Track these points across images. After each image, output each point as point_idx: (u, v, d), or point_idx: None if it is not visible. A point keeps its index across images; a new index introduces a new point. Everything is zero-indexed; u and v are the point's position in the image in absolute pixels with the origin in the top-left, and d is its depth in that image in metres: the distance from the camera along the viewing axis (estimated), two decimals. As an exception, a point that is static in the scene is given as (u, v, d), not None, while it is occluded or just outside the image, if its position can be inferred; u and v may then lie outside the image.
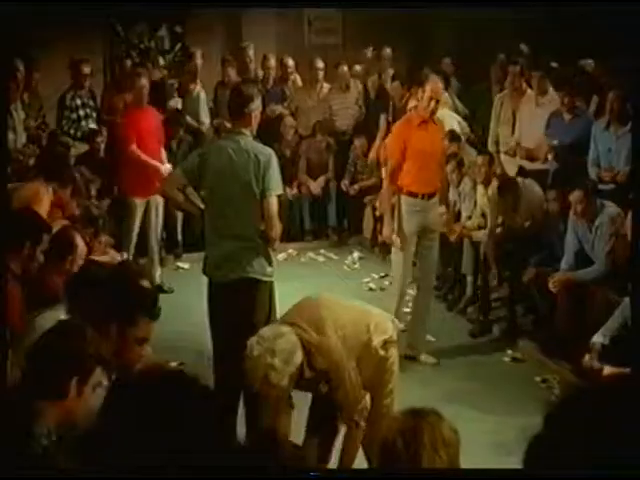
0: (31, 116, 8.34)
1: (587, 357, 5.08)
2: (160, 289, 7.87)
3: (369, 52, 10.03)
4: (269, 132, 9.30)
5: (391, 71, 9.52)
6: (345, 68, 9.66)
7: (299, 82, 10.02)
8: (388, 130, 8.31)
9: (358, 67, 9.93)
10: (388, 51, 9.97)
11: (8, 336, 3.68)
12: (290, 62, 9.86)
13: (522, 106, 7.73)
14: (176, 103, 9.23)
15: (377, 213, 8.89)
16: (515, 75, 7.97)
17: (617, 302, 5.27)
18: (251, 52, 9.96)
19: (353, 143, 9.39)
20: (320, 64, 9.66)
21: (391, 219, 6.17)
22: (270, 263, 4.73)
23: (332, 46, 11.13)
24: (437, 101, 5.97)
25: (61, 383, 2.65)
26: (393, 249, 6.25)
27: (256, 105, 4.74)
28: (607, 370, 4.89)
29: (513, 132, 7.78)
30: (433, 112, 6.00)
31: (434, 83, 5.98)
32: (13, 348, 3.63)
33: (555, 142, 7.00)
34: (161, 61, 9.80)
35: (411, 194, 6.08)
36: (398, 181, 6.09)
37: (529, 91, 7.95)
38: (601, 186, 6.42)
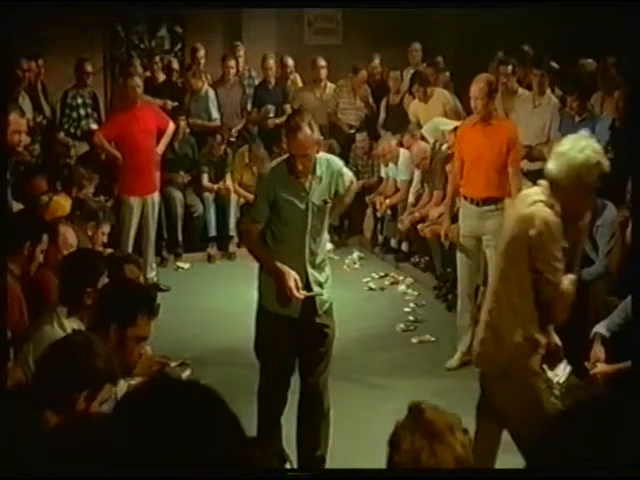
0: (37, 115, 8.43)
1: (592, 352, 5.00)
2: (156, 287, 7.90)
3: (377, 58, 9.99)
4: (270, 134, 9.32)
5: (424, 66, 9.41)
6: (365, 73, 9.65)
7: (299, 82, 10.03)
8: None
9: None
10: (417, 45, 9.94)
11: (9, 336, 3.68)
12: (290, 62, 9.86)
13: (518, 107, 7.71)
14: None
15: (378, 214, 8.91)
16: (507, 75, 7.97)
17: (617, 303, 5.27)
18: (241, 51, 9.97)
19: (355, 139, 9.38)
20: (322, 62, 9.64)
21: (447, 215, 6.39)
22: (260, 289, 4.60)
23: (332, 46, 11.14)
24: (482, 100, 5.79)
25: (70, 397, 2.63)
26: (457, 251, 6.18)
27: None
28: (601, 367, 4.91)
29: None
30: (485, 114, 5.84)
31: (476, 83, 5.91)
32: (15, 349, 3.63)
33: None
34: (175, 64, 9.79)
35: (465, 197, 6.02)
36: (458, 183, 6.08)
37: (520, 91, 7.96)
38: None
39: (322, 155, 4.51)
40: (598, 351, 4.95)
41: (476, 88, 5.84)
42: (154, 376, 3.13)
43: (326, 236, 4.57)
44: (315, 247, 4.43)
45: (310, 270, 4.43)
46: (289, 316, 4.40)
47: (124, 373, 3.28)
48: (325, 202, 4.39)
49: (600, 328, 5.07)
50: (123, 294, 3.49)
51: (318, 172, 4.38)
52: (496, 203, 5.88)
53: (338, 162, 4.62)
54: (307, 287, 4.38)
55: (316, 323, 4.50)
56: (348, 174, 4.68)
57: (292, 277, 4.25)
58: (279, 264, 4.30)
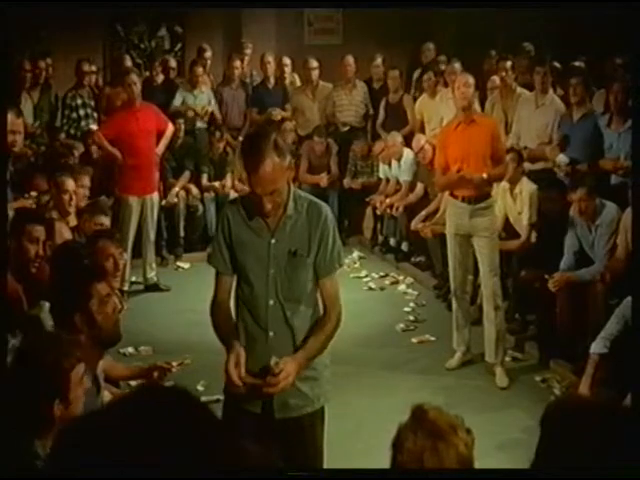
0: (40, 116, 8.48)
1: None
2: (156, 287, 7.91)
3: (379, 58, 9.97)
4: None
5: (443, 66, 9.15)
6: (350, 59, 9.61)
7: (298, 82, 10.03)
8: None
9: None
10: (430, 45, 9.94)
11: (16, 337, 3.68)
12: (287, 61, 9.85)
13: (520, 107, 7.67)
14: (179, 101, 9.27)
15: (378, 212, 8.91)
16: (506, 70, 7.95)
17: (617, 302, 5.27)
18: (248, 50, 10.01)
19: (352, 145, 9.38)
20: (314, 64, 9.63)
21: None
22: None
23: (332, 46, 11.13)
24: (467, 99, 5.82)
25: (45, 415, 2.58)
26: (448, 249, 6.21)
27: None
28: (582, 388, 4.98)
29: (506, 131, 7.71)
30: (469, 111, 5.88)
31: (463, 75, 5.96)
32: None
33: (565, 161, 6.90)
34: (172, 63, 9.81)
35: (453, 196, 6.03)
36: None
37: (519, 90, 7.94)
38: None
39: (303, 193, 3.43)
40: (587, 375, 5.03)
41: (464, 80, 5.88)
42: (140, 385, 3.11)
43: (310, 309, 3.38)
44: (290, 314, 3.32)
45: (276, 350, 3.26)
46: (251, 411, 3.32)
47: (109, 342, 3.37)
48: (295, 254, 3.27)
49: (596, 347, 5.07)
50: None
51: (290, 211, 3.26)
52: (487, 199, 5.94)
53: (326, 210, 3.36)
54: (267, 373, 3.20)
55: (283, 427, 3.34)
56: (338, 245, 3.36)
57: (234, 356, 3.16)
58: (233, 339, 3.28)
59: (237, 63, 9.62)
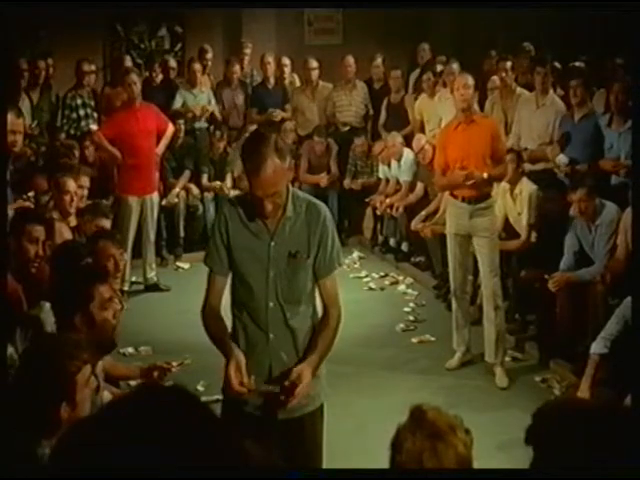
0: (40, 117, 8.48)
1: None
2: (156, 287, 7.91)
3: (379, 58, 9.96)
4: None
5: (440, 67, 9.09)
6: (351, 60, 9.61)
7: (297, 82, 10.03)
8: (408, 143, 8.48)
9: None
10: (426, 45, 9.97)
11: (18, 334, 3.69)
12: (287, 61, 9.86)
13: (520, 107, 7.67)
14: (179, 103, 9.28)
15: (378, 212, 8.91)
16: (506, 71, 7.95)
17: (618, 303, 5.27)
18: (248, 50, 10.02)
19: (353, 142, 9.38)
20: (314, 64, 9.63)
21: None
22: None
23: (332, 46, 11.14)
24: (466, 99, 5.82)
25: (52, 417, 2.57)
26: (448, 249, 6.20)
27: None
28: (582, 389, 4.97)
29: (506, 132, 7.70)
30: (470, 112, 5.88)
31: (463, 76, 5.97)
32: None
33: (565, 161, 6.91)
34: (172, 63, 9.82)
35: (453, 196, 6.03)
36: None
37: (519, 90, 7.94)
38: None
39: (301, 194, 3.38)
40: (587, 375, 5.02)
41: (464, 81, 5.86)
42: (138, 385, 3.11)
43: (309, 309, 3.38)
44: (290, 316, 3.31)
45: (276, 352, 3.31)
46: (251, 413, 3.29)
47: (105, 348, 3.39)
48: (295, 256, 3.24)
49: (596, 347, 5.05)
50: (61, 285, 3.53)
51: (289, 212, 3.22)
52: (487, 199, 5.94)
53: (325, 210, 3.34)
54: (269, 379, 3.29)
55: (284, 428, 3.33)
56: (337, 245, 3.35)
57: (233, 362, 3.16)
58: (230, 343, 3.28)
59: (236, 67, 9.63)
